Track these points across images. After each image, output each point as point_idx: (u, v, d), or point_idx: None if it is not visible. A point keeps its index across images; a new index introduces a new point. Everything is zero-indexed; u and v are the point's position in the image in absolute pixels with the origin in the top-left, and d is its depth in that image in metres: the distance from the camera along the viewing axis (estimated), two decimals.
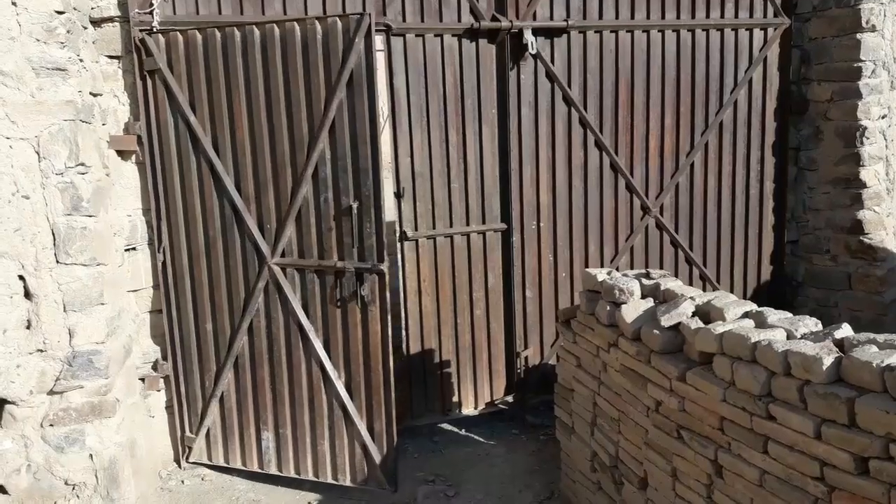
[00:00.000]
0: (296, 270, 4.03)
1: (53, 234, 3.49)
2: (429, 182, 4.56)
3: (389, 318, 3.98)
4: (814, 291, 5.28)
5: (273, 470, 4.23)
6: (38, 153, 3.42)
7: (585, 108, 4.77)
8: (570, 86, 4.72)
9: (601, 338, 3.33)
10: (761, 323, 2.59)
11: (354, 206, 3.85)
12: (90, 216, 3.55)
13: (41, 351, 3.53)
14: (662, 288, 3.12)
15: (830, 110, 5.03)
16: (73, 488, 3.65)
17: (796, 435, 2.24)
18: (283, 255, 4.03)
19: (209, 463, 4.35)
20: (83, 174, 3.54)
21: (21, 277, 3.46)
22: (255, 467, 4.27)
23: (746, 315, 2.70)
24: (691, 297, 2.92)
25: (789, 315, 2.60)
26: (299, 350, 4.08)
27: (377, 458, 4.05)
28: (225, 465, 4.32)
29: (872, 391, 2.07)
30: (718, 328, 2.60)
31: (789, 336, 2.45)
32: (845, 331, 2.36)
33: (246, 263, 4.10)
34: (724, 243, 5.23)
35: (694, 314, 2.86)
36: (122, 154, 4.07)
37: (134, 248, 4.14)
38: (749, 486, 2.46)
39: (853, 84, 4.86)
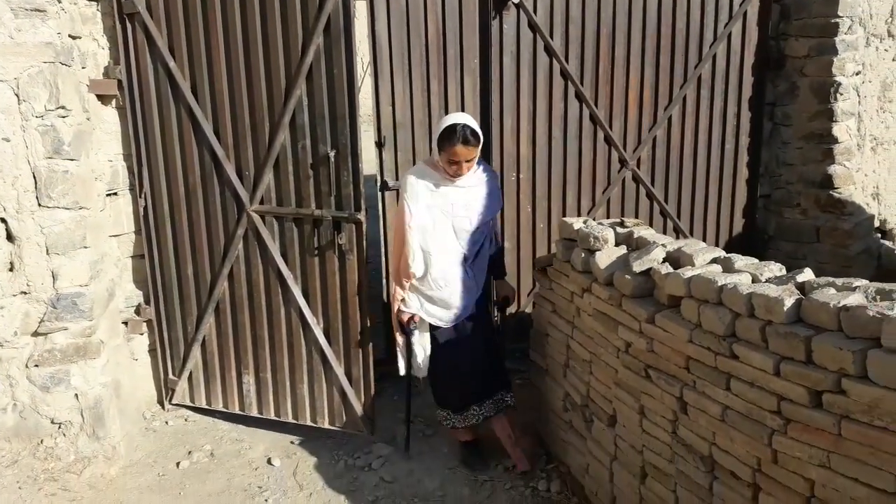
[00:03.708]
0: (274, 218, 4.05)
1: (35, 177, 3.50)
2: (410, 132, 4.57)
3: (367, 267, 4.01)
4: (784, 244, 5.41)
5: (254, 412, 4.33)
6: (17, 95, 3.40)
7: (567, 60, 4.78)
8: (551, 36, 4.72)
9: (575, 284, 3.43)
10: (728, 268, 2.69)
11: (332, 154, 3.83)
12: (72, 160, 3.55)
13: (25, 293, 3.57)
14: (636, 236, 3.21)
15: (807, 66, 5.08)
16: (60, 426, 3.73)
17: (757, 372, 2.36)
18: (261, 202, 4.04)
19: (192, 405, 4.45)
20: (64, 117, 3.53)
21: (3, 220, 3.48)
22: (236, 409, 4.36)
23: (715, 261, 2.80)
24: (663, 244, 3.02)
25: (755, 261, 2.70)
26: (279, 296, 4.13)
27: (355, 403, 4.14)
28: (207, 406, 4.42)
29: (829, 330, 2.18)
30: (687, 272, 2.70)
31: (754, 280, 2.56)
32: (807, 275, 2.47)
33: (226, 210, 4.12)
34: (699, 196, 5.31)
35: (665, 260, 2.95)
36: (103, 98, 4.04)
37: (115, 194, 4.15)
38: (712, 420, 2.59)
39: (830, 40, 4.91)
